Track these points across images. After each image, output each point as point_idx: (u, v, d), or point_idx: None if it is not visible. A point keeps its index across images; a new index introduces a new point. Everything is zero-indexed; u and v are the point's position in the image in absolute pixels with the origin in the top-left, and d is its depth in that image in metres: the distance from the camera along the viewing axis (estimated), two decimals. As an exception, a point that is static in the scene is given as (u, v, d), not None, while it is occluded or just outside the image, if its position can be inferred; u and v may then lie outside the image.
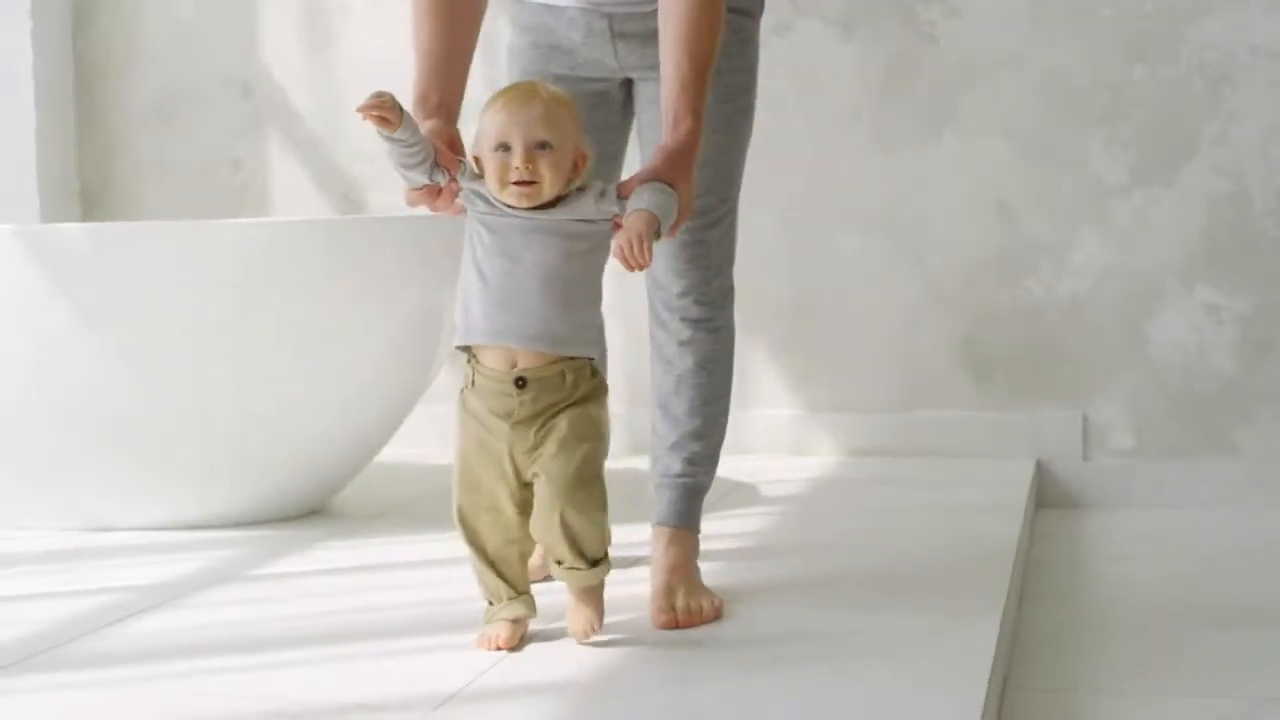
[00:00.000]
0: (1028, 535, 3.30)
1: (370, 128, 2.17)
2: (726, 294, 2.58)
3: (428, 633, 2.37)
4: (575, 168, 2.20)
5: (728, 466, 2.68)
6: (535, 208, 2.18)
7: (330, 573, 2.85)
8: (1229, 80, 3.82)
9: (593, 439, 2.23)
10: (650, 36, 2.45)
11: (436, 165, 2.22)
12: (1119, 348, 3.90)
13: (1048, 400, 3.94)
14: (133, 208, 4.44)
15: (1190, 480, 3.84)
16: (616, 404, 2.97)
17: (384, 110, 2.13)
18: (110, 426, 3.12)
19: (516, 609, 2.28)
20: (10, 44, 4.32)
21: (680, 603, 2.38)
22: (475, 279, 2.21)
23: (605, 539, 2.25)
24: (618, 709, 2.02)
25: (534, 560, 2.38)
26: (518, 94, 2.20)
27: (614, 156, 2.63)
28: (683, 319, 2.55)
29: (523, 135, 2.16)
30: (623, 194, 2.22)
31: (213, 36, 4.40)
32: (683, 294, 2.54)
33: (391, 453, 3.66)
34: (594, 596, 2.26)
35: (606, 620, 2.36)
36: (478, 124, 2.21)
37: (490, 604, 2.30)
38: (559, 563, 2.25)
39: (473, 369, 2.25)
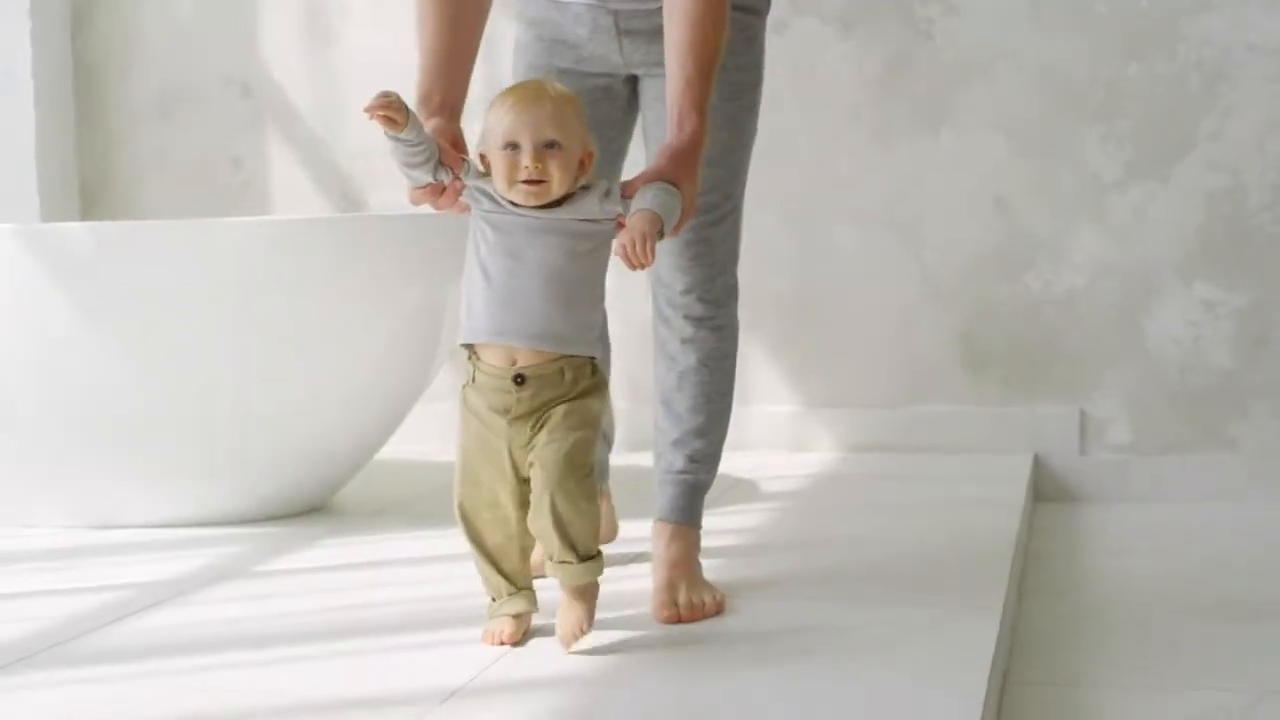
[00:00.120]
0: (1026, 530, 3.31)
1: (370, 126, 2.18)
2: (730, 292, 2.58)
3: (430, 628, 2.38)
4: (582, 166, 2.21)
5: (727, 462, 2.69)
6: (540, 206, 2.19)
7: (332, 569, 2.86)
8: (1225, 76, 3.83)
9: (585, 428, 2.23)
10: (655, 33, 2.46)
11: (440, 164, 2.23)
12: (1116, 343, 3.91)
13: (1045, 395, 3.96)
14: (133, 206, 4.44)
15: (1187, 475, 3.85)
16: (616, 400, 2.99)
17: (391, 111, 2.14)
18: (113, 424, 3.13)
19: (518, 604, 2.29)
20: (10, 43, 4.32)
21: (682, 598, 2.40)
22: (479, 277, 2.22)
23: (597, 534, 2.25)
24: (621, 703, 2.02)
25: (535, 556, 2.39)
26: (526, 93, 2.21)
27: (615, 153, 2.63)
28: (686, 316, 2.55)
29: (532, 135, 2.16)
30: (627, 193, 2.22)
31: (212, 35, 4.41)
32: (686, 291, 2.54)
33: (392, 450, 3.67)
34: (586, 597, 2.23)
35: (610, 615, 2.37)
36: (484, 121, 2.21)
37: (493, 600, 2.31)
38: (551, 558, 2.24)
39: (473, 366, 2.26)
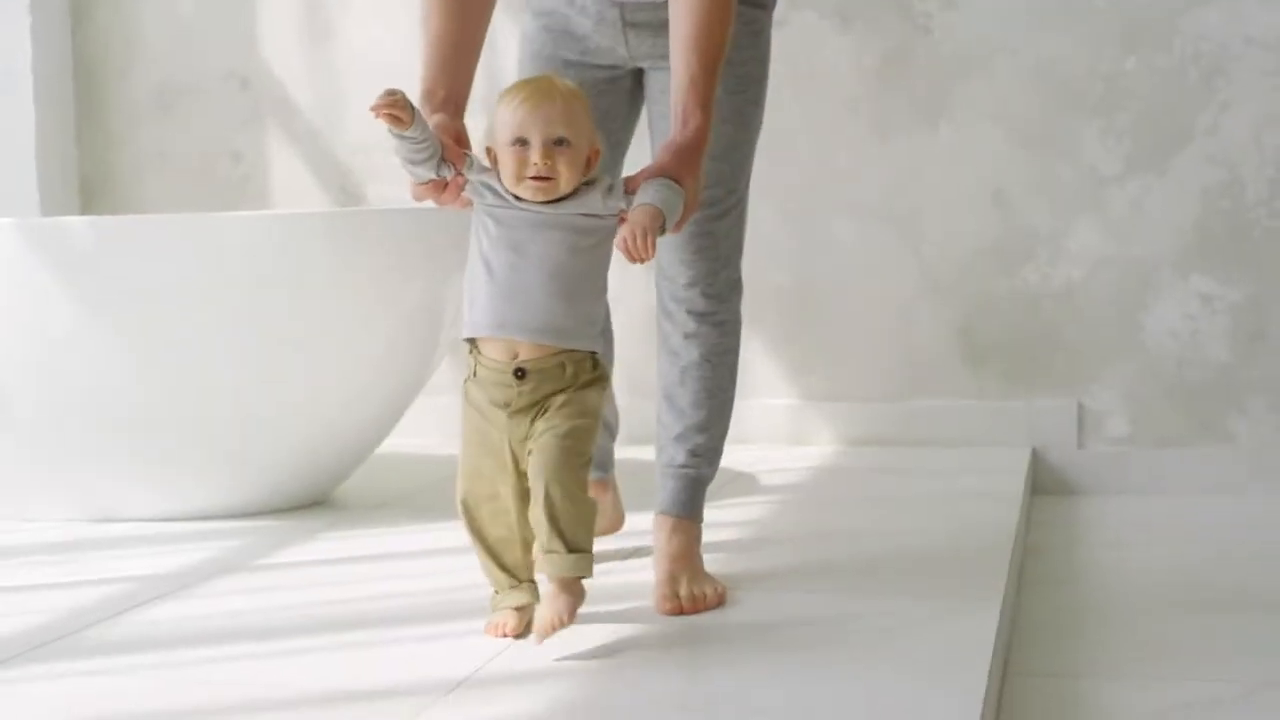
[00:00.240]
0: (1024, 522, 3.32)
1: (370, 121, 2.18)
2: (734, 287, 2.58)
3: (433, 621, 2.39)
4: (588, 164, 2.22)
5: (727, 456, 2.70)
6: (544, 201, 2.19)
7: (334, 562, 2.86)
8: (1223, 71, 3.84)
9: (583, 418, 2.22)
10: (662, 26, 2.46)
11: (443, 160, 2.23)
12: (1114, 336, 3.92)
13: (1043, 388, 3.97)
14: (133, 201, 4.45)
15: (1184, 468, 3.86)
16: (617, 394, 2.99)
17: (396, 109, 2.14)
18: (114, 418, 3.14)
19: (520, 597, 2.29)
20: (10, 39, 4.33)
21: (684, 590, 2.40)
22: (481, 271, 2.22)
23: (590, 529, 2.21)
24: (624, 694, 2.03)
25: (536, 550, 2.39)
26: (536, 89, 2.21)
27: (617, 145, 2.63)
28: (689, 311, 2.55)
29: (541, 131, 2.17)
30: (630, 189, 2.23)
31: (212, 31, 4.41)
32: (689, 285, 2.54)
33: (393, 444, 3.68)
34: (570, 591, 2.19)
35: (612, 608, 2.38)
36: (493, 116, 2.22)
37: (496, 592, 2.32)
38: (540, 548, 2.20)
39: (475, 359, 2.26)
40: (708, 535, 2.62)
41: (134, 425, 3.14)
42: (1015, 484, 3.48)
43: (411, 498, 3.45)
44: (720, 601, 2.43)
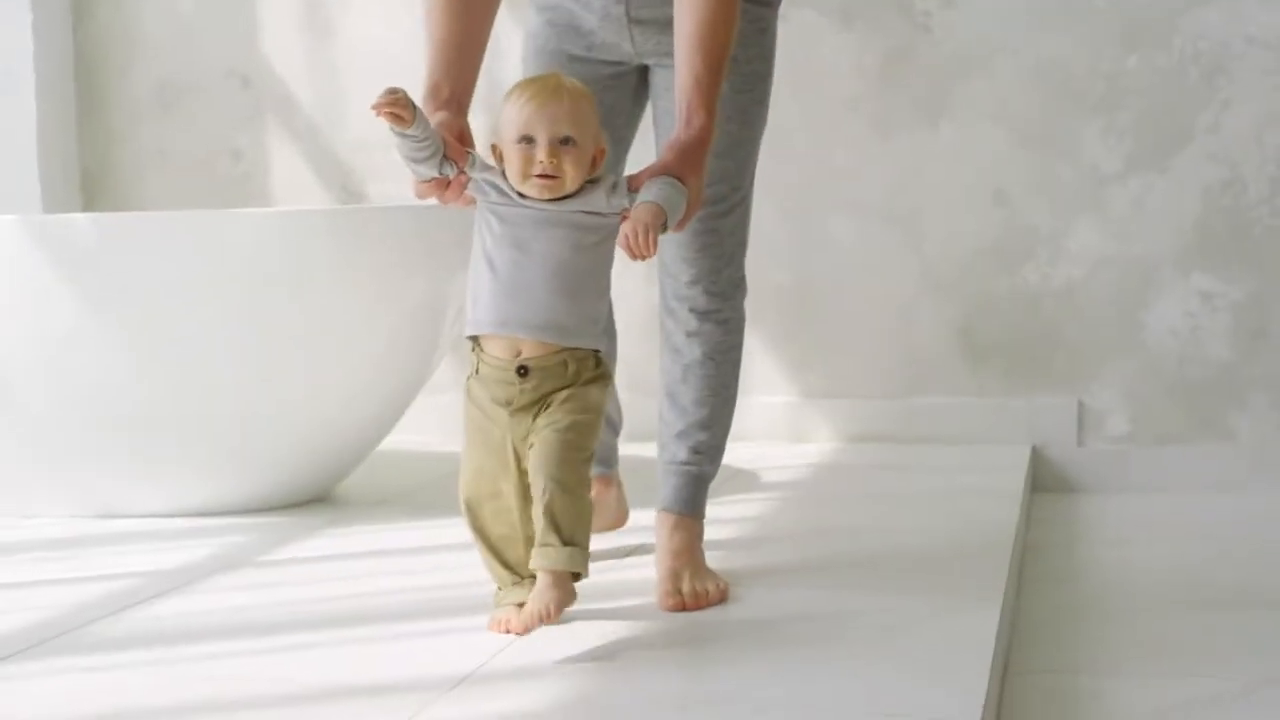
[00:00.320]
0: (1024, 520, 3.32)
1: (370, 119, 2.18)
2: (737, 285, 2.58)
3: (435, 616, 2.40)
4: (594, 163, 2.22)
5: (727, 453, 2.70)
6: (548, 199, 2.19)
7: (337, 558, 2.87)
8: (1223, 70, 3.85)
9: (585, 413, 2.22)
10: (667, 23, 2.46)
11: (445, 158, 2.23)
12: (1114, 334, 3.93)
13: (1044, 386, 3.98)
14: (133, 198, 4.46)
15: (1185, 465, 3.87)
16: (618, 390, 3.00)
17: (397, 108, 2.14)
18: (116, 414, 3.14)
19: (522, 594, 2.29)
20: (11, 37, 4.33)
21: (686, 586, 2.41)
22: (485, 269, 2.23)
23: (586, 526, 2.20)
24: (626, 690, 2.04)
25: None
26: (543, 88, 2.21)
27: (621, 142, 2.63)
28: (691, 309, 2.56)
29: (548, 130, 2.17)
30: (633, 187, 2.23)
31: (212, 28, 4.42)
32: (692, 282, 2.55)
33: (394, 441, 3.69)
34: (560, 585, 2.17)
35: (615, 604, 2.39)
36: (500, 114, 2.22)
37: (499, 589, 2.32)
38: (536, 541, 2.20)
39: (477, 357, 2.27)
40: (708, 532, 2.62)
41: (136, 422, 3.15)
42: (1015, 482, 3.49)
43: (413, 494, 3.46)
44: (722, 598, 2.43)
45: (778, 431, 4.08)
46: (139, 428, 3.16)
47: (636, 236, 2.15)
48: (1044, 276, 3.96)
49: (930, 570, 2.69)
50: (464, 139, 2.35)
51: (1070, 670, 2.47)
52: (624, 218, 2.22)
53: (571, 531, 2.18)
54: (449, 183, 2.26)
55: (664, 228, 2.19)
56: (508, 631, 2.26)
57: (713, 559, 2.57)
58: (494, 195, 2.23)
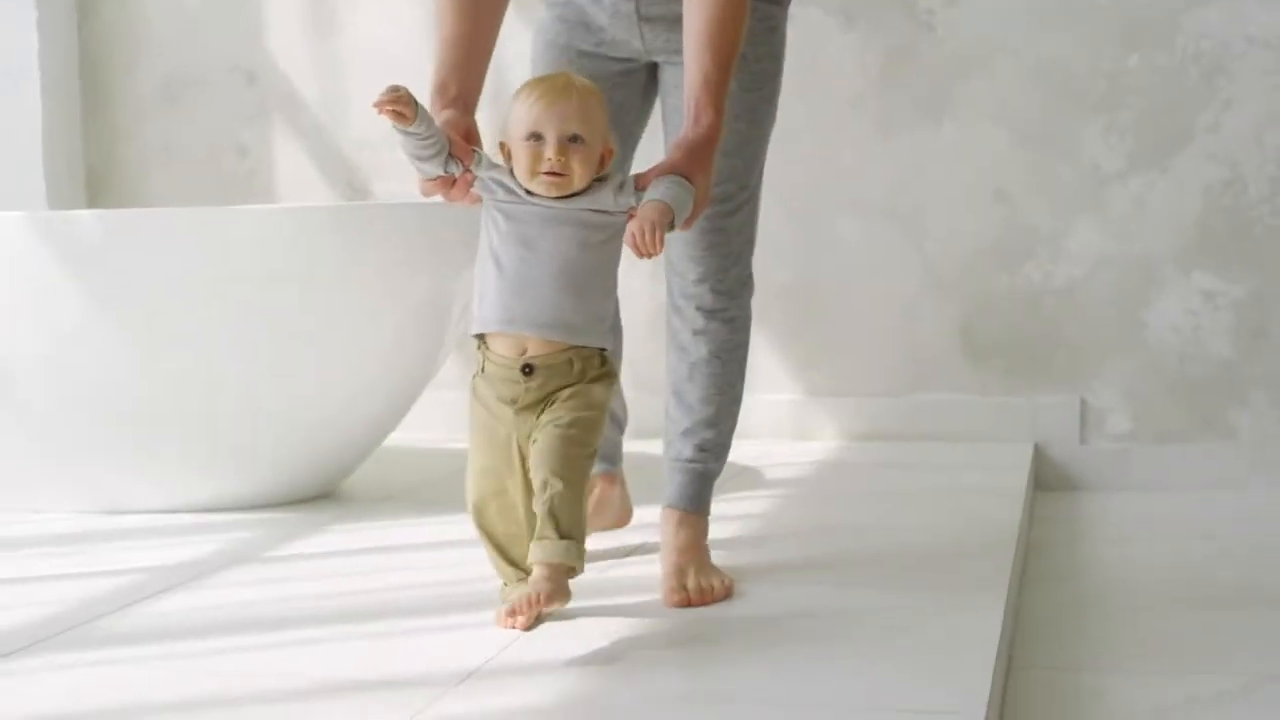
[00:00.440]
0: (1027, 518, 3.33)
1: (376, 116, 2.18)
2: (744, 283, 2.59)
3: (441, 612, 2.40)
4: (602, 162, 2.23)
5: (731, 451, 2.71)
6: (555, 197, 2.20)
7: (343, 554, 2.88)
8: (1224, 69, 3.86)
9: (588, 410, 2.23)
10: (676, 20, 2.45)
11: (451, 156, 2.24)
12: (1116, 333, 3.94)
13: (1046, 385, 3.99)
14: (138, 195, 4.46)
15: (1187, 463, 3.88)
16: (623, 388, 3.01)
17: (399, 106, 2.14)
18: (122, 411, 3.15)
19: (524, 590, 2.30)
20: (16, 32, 4.34)
21: (691, 582, 2.41)
22: (491, 267, 2.23)
23: (582, 521, 2.21)
24: (633, 686, 2.04)
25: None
26: (553, 86, 2.22)
27: (629, 139, 2.63)
28: (698, 308, 2.56)
29: (557, 127, 2.18)
30: (640, 185, 2.23)
31: (218, 24, 4.42)
32: (699, 281, 2.55)
33: (399, 437, 3.70)
34: (554, 578, 2.17)
35: (621, 601, 2.40)
36: (508, 111, 2.23)
37: (505, 585, 2.33)
38: (534, 536, 2.20)
39: (483, 356, 2.27)
40: (712, 529, 2.63)
41: (142, 418, 3.16)
42: (1018, 480, 3.49)
43: (418, 491, 3.47)
44: (727, 594, 2.44)
45: (782, 429, 4.09)
46: (144, 424, 3.17)
47: (643, 234, 2.15)
48: (1046, 275, 3.97)
49: (934, 568, 2.69)
50: (471, 137, 2.35)
51: (1073, 667, 2.48)
52: (631, 216, 2.22)
53: (569, 526, 2.18)
54: (455, 181, 2.26)
55: (671, 226, 2.19)
56: (513, 627, 2.27)
57: (717, 556, 2.58)
58: (501, 193, 2.23)
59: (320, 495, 3.39)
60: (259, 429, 3.23)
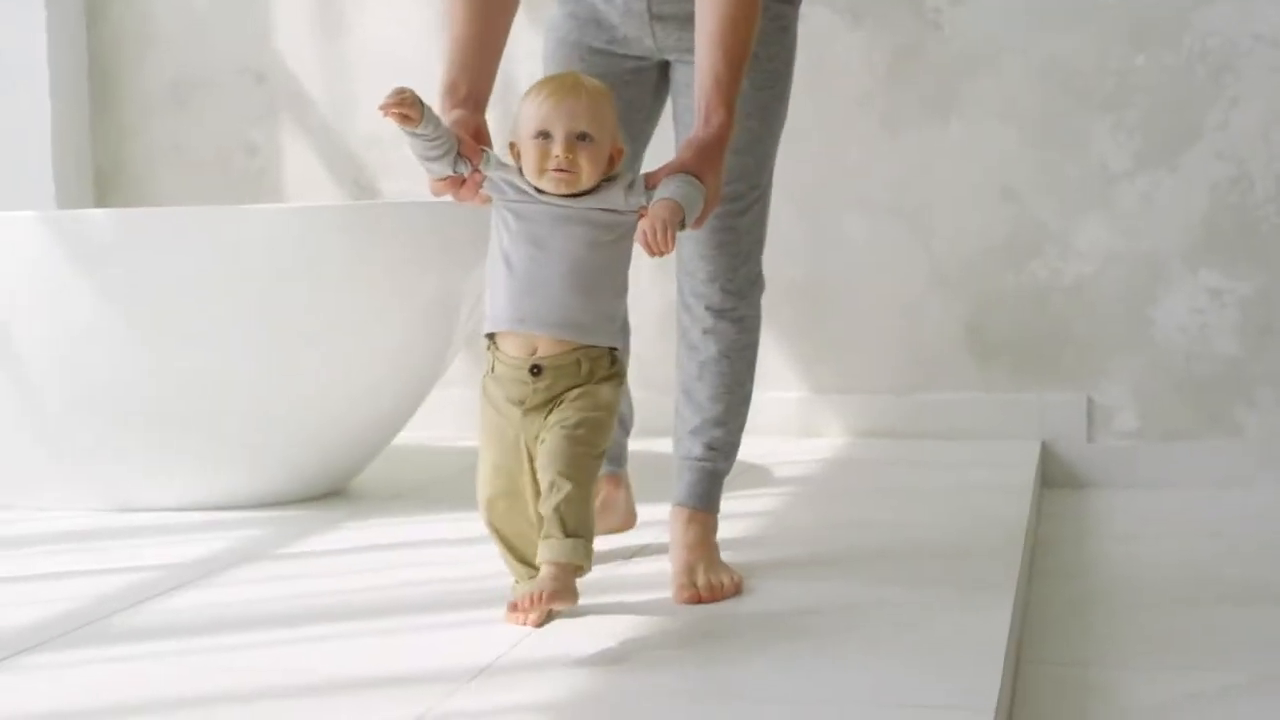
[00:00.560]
0: (1034, 515, 3.33)
1: (384, 118, 2.18)
2: (754, 282, 2.59)
3: (452, 609, 2.41)
4: (611, 161, 2.23)
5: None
6: (565, 196, 2.20)
7: (353, 551, 2.89)
8: (1231, 67, 3.87)
9: (596, 411, 2.23)
10: (688, 19, 2.46)
11: (459, 156, 2.24)
12: (1123, 331, 3.95)
13: (1053, 382, 3.99)
14: (147, 194, 4.48)
15: (1193, 461, 3.89)
16: (630, 387, 3.02)
17: (405, 108, 2.15)
18: (133, 410, 3.16)
19: (539, 588, 2.31)
20: (25, 32, 4.35)
21: (701, 579, 2.42)
22: (501, 267, 2.23)
23: (590, 521, 2.20)
24: (643, 682, 2.05)
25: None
26: (561, 84, 2.22)
27: (640, 137, 2.64)
28: (707, 307, 2.56)
29: (565, 125, 2.18)
30: (650, 184, 2.24)
31: (226, 24, 4.44)
32: (709, 280, 2.55)
33: (408, 436, 3.71)
34: (560, 577, 2.16)
35: (631, 598, 2.41)
36: (518, 111, 2.23)
37: (517, 582, 2.34)
38: (541, 536, 2.20)
39: (493, 356, 2.27)
40: (721, 526, 2.63)
41: (153, 417, 3.17)
42: (1025, 477, 3.50)
43: (427, 489, 3.48)
44: (737, 590, 2.45)
45: (789, 427, 4.10)
46: (155, 423, 3.18)
47: (655, 232, 2.15)
48: (1053, 273, 3.98)
49: (942, 564, 2.70)
50: (480, 136, 2.35)
51: (1080, 663, 2.49)
52: (641, 215, 2.22)
53: (576, 525, 2.18)
54: (464, 180, 2.26)
55: (682, 224, 2.20)
56: (523, 624, 2.27)
57: (725, 553, 2.58)
58: (511, 193, 2.24)
59: (330, 493, 3.40)
60: (269, 427, 3.24)
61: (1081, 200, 3.95)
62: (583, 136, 2.19)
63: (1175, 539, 3.37)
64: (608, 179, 2.23)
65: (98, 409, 3.16)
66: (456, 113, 2.36)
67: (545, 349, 2.23)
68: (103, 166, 4.52)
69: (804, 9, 3.98)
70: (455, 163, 2.24)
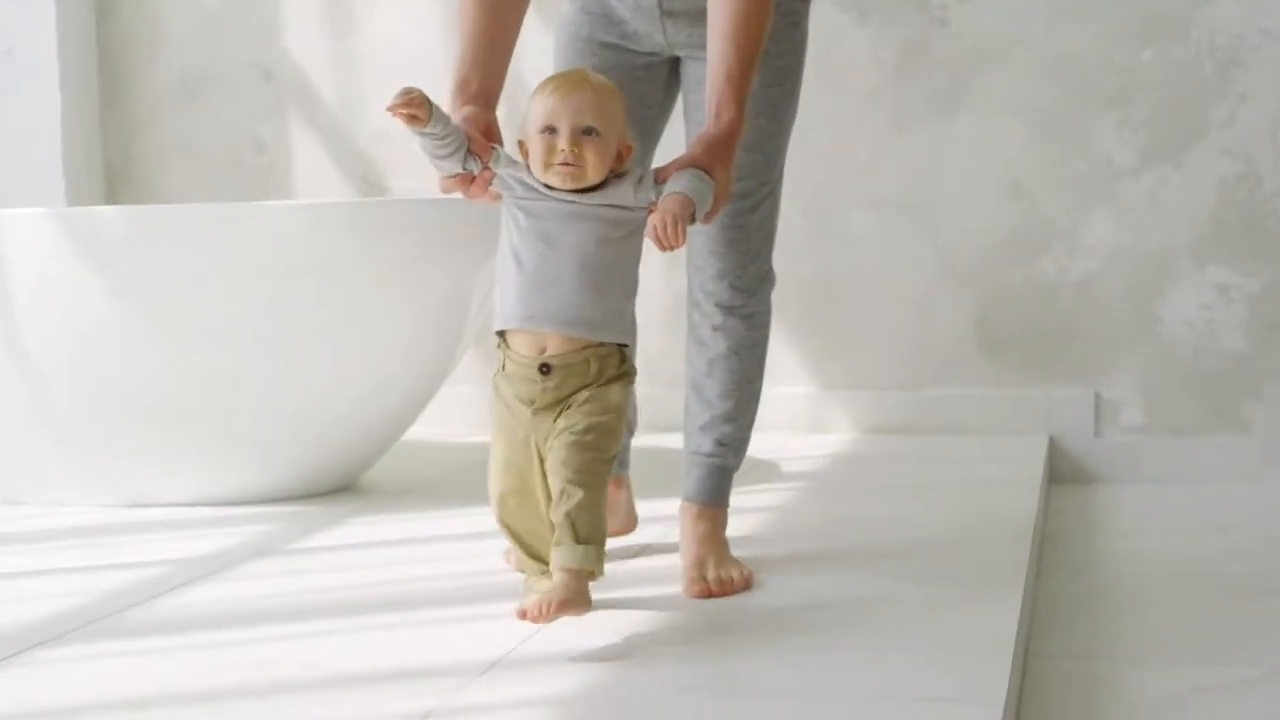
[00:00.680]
0: (1042, 510, 3.34)
1: (392, 118, 2.19)
2: (763, 279, 2.60)
3: (462, 603, 2.42)
4: (619, 158, 2.22)
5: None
6: (574, 192, 2.20)
7: (363, 546, 2.90)
8: (1239, 63, 3.87)
9: (605, 414, 2.22)
10: (699, 16, 2.46)
11: (470, 153, 2.24)
12: (1130, 326, 3.95)
13: (1060, 378, 4.00)
14: (156, 190, 4.49)
15: (1200, 456, 3.89)
16: (637, 383, 3.03)
17: (412, 108, 2.15)
18: (146, 405, 3.17)
19: (549, 584, 2.31)
20: (36, 28, 4.36)
21: (711, 573, 2.43)
22: (511, 264, 2.23)
23: (602, 525, 2.20)
24: (654, 676, 2.06)
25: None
26: (567, 80, 2.23)
27: (648, 134, 2.63)
28: (717, 304, 2.57)
29: (570, 120, 2.18)
30: (660, 179, 2.24)
31: (235, 21, 4.45)
32: (718, 277, 2.56)
33: (418, 432, 3.72)
34: (573, 584, 2.15)
35: (642, 593, 2.42)
36: (525, 108, 2.24)
37: (528, 578, 2.35)
38: (553, 542, 2.20)
39: (503, 354, 2.27)
40: (730, 521, 2.64)
41: (164, 413, 3.18)
42: (1033, 472, 3.51)
43: (437, 484, 3.49)
44: (747, 585, 2.46)
45: (798, 422, 4.10)
46: (167, 419, 3.19)
47: (665, 226, 2.15)
48: (1060, 268, 3.99)
49: (950, 559, 2.71)
50: (491, 133, 2.35)
51: (1088, 657, 2.50)
52: (651, 210, 2.22)
53: (588, 532, 2.18)
54: (474, 178, 2.26)
55: (692, 219, 2.20)
56: (535, 621, 2.28)
57: (734, 548, 2.58)
58: (520, 190, 2.23)
59: (340, 489, 3.41)
60: (280, 423, 3.25)
61: (1089, 196, 3.96)
62: (588, 131, 2.19)
63: (1182, 534, 3.38)
64: (617, 175, 2.23)
65: (109, 405, 3.17)
66: (467, 109, 2.35)
67: (555, 347, 2.22)
68: (112, 162, 4.54)
69: (812, 5, 4.01)
70: (465, 160, 2.24)
